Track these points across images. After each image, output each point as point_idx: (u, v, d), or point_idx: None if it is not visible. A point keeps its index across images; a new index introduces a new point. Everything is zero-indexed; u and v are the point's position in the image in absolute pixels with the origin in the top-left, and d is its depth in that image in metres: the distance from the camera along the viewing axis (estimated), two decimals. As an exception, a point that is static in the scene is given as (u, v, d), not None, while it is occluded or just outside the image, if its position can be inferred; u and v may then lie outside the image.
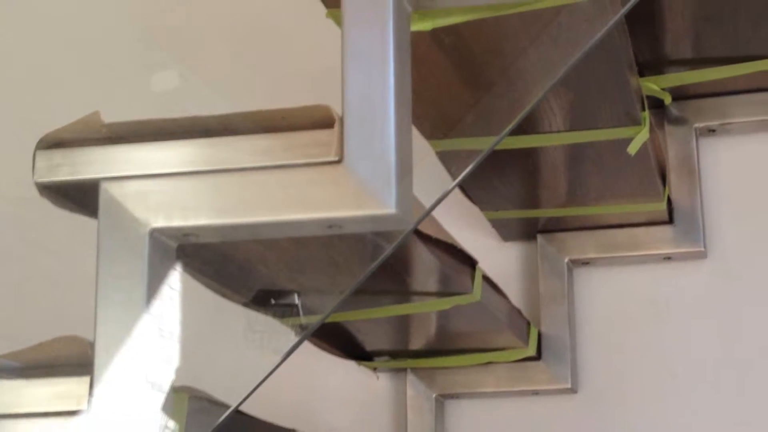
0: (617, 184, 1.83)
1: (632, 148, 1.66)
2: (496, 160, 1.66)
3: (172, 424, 1.24)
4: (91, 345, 1.21)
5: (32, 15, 1.45)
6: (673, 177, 1.94)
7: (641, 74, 1.88)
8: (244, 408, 1.30)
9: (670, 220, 1.94)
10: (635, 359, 1.95)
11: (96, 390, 1.21)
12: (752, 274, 1.91)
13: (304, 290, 1.43)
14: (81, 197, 1.25)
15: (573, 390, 1.95)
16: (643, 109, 1.64)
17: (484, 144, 1.46)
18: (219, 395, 1.30)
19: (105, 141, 1.27)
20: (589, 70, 1.50)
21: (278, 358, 1.29)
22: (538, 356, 1.97)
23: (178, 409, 1.25)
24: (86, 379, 1.22)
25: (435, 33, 1.21)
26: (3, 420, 1.27)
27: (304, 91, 1.25)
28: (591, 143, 1.67)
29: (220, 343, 1.40)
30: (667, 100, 1.95)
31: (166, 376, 1.24)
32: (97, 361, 1.21)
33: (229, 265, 1.37)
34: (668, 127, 1.97)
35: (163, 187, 1.26)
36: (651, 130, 1.69)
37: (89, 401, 1.22)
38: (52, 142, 1.27)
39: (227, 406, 1.28)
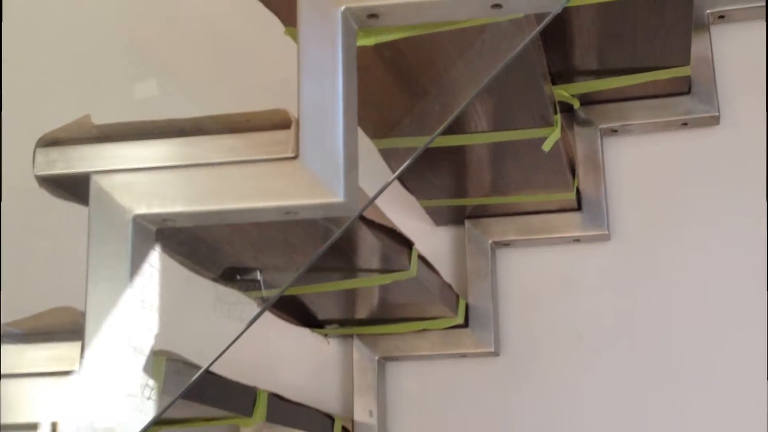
0: (534, 176, 1.82)
1: (546, 146, 1.66)
2: (429, 156, 1.66)
3: (151, 382, 1.24)
4: (83, 314, 1.22)
5: (38, 37, 1.46)
6: (581, 171, 1.94)
7: (553, 83, 1.87)
8: (213, 368, 1.30)
9: (579, 208, 1.93)
10: (549, 326, 1.94)
11: (86, 353, 1.21)
12: (649, 253, 1.91)
13: (265, 267, 1.43)
14: (74, 188, 1.26)
15: (496, 353, 1.96)
16: (555, 113, 1.64)
17: (419, 142, 1.46)
18: (192, 358, 1.31)
19: (95, 140, 1.28)
20: (509, 79, 1.49)
21: (243, 326, 1.29)
22: (465, 324, 1.96)
23: (157, 369, 1.27)
24: (78, 344, 1.23)
25: (377, 48, 1.22)
26: (6, 379, 1.26)
27: (265, 97, 1.26)
28: (511, 142, 1.66)
29: (193, 313, 1.40)
30: (576, 104, 1.95)
31: (146, 341, 1.25)
32: (88, 329, 1.22)
33: (201, 246, 1.37)
34: (577, 128, 1.96)
35: (144, 179, 1.27)
36: (562, 130, 1.68)
37: (80, 363, 1.22)
38: (50, 141, 1.28)
39: (199, 367, 1.31)
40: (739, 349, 1.82)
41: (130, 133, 1.28)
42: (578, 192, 1.94)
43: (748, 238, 1.87)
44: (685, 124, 1.93)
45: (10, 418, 1.26)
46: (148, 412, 1.25)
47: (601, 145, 1.97)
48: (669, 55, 1.80)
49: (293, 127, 1.20)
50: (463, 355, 1.97)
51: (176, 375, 1.30)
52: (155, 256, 1.28)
